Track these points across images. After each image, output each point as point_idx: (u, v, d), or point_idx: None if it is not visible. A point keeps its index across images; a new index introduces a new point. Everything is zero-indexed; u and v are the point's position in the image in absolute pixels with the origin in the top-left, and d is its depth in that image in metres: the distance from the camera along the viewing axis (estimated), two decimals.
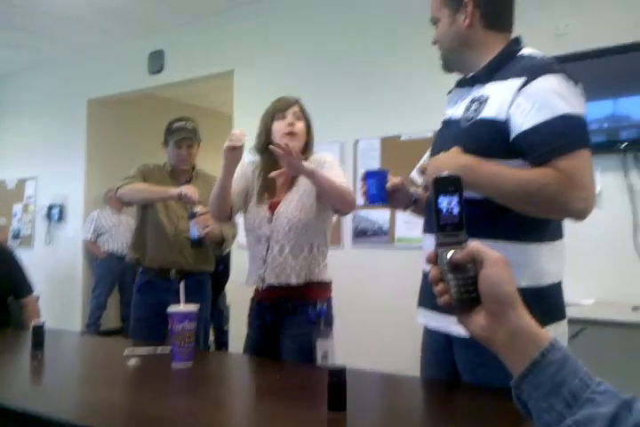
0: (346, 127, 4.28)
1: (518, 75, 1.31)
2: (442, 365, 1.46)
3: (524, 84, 1.28)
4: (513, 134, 1.28)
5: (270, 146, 1.90)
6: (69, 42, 5.94)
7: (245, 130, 1.95)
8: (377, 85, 4.16)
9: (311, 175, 1.91)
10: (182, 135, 2.79)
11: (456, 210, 0.72)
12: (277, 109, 2.09)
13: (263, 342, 2.07)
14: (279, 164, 2.05)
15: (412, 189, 1.63)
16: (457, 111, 1.44)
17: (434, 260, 0.73)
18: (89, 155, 6.27)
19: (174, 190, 2.63)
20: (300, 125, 2.09)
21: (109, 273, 5.98)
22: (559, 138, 1.24)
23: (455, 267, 0.70)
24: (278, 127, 2.07)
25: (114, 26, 5.51)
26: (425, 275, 1.55)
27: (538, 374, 0.63)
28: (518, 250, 1.32)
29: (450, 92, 1.57)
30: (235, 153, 1.93)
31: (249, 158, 2.22)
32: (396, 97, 4.05)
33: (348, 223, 4.19)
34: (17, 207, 6.88)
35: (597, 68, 3.23)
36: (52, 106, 6.55)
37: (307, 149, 2.13)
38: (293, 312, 2.01)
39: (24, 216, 6.82)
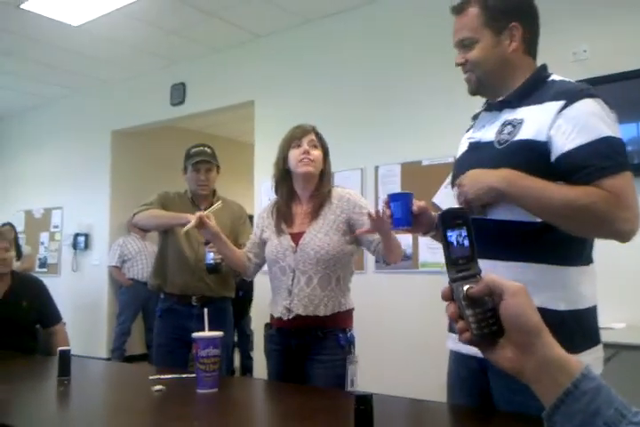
0: (366, 153, 4.31)
1: (555, 98, 1.32)
2: (473, 392, 1.43)
3: (564, 107, 1.29)
4: (554, 155, 1.29)
5: (358, 232, 1.99)
6: (93, 76, 6.12)
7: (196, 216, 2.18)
8: (397, 111, 4.19)
9: (389, 235, 1.93)
10: (200, 158, 2.81)
11: (466, 242, 0.71)
12: (293, 137, 2.11)
13: (287, 366, 2.05)
14: (297, 193, 2.13)
15: (434, 213, 1.63)
16: (487, 134, 1.44)
17: (449, 296, 0.71)
18: (113, 184, 6.40)
19: (190, 216, 2.65)
20: (315, 153, 2.09)
21: (134, 300, 6.02)
22: (604, 159, 1.24)
23: (473, 301, 0.68)
24: (294, 155, 2.08)
25: (136, 60, 5.67)
26: None
27: (571, 404, 0.61)
28: (556, 273, 1.31)
29: (475, 117, 1.58)
30: (204, 229, 2.18)
31: (268, 201, 2.32)
32: (417, 123, 4.08)
33: None
34: (44, 236, 7.01)
35: (617, 93, 3.23)
36: (77, 138, 6.73)
37: (323, 178, 2.13)
38: (324, 337, 1.99)
39: (50, 244, 6.94)
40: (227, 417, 1.46)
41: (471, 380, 1.43)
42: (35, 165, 7.20)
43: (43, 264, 6.94)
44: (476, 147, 1.47)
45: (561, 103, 1.30)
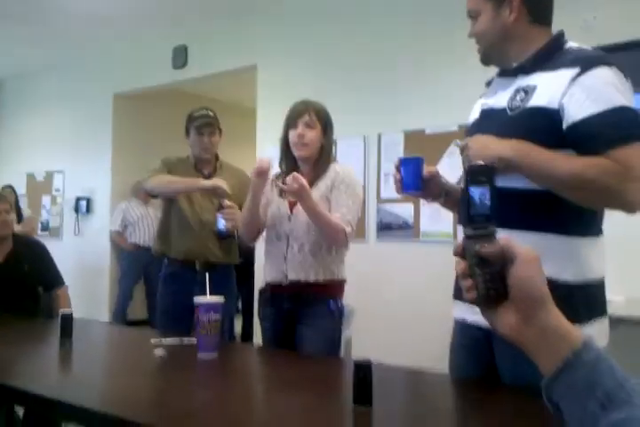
0: (369, 121, 4.26)
1: (570, 65, 1.30)
2: (477, 362, 1.44)
3: (578, 75, 1.27)
4: (566, 124, 1.27)
5: (280, 187, 2.05)
6: (94, 38, 6.00)
7: (270, 158, 2.11)
8: (401, 79, 4.13)
9: (302, 202, 1.98)
10: (204, 121, 2.79)
11: (488, 201, 0.69)
12: (290, 118, 2.15)
13: (280, 330, 2.12)
14: (300, 167, 2.18)
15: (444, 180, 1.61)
16: (499, 101, 1.42)
17: (461, 253, 0.71)
18: (115, 148, 6.35)
19: (206, 182, 2.64)
20: (310, 135, 2.11)
21: (135, 264, 6.06)
22: (615, 129, 1.23)
23: (483, 260, 0.68)
24: (291, 135, 2.13)
25: (137, 22, 5.54)
26: None
27: (570, 374, 0.61)
28: (565, 243, 1.31)
29: (489, 83, 1.56)
30: (261, 178, 2.08)
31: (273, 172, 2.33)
32: (421, 90, 4.02)
33: (372, 217, 4.18)
34: (45, 199, 7.00)
35: (627, 61, 3.16)
36: (78, 101, 6.64)
37: (322, 155, 2.17)
38: (314, 302, 2.07)
39: (52, 208, 6.94)
40: (227, 384, 1.48)
41: (475, 349, 1.44)
42: (36, 128, 7.14)
43: (45, 227, 6.96)
44: (488, 113, 1.45)
45: (575, 70, 1.28)
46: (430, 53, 3.99)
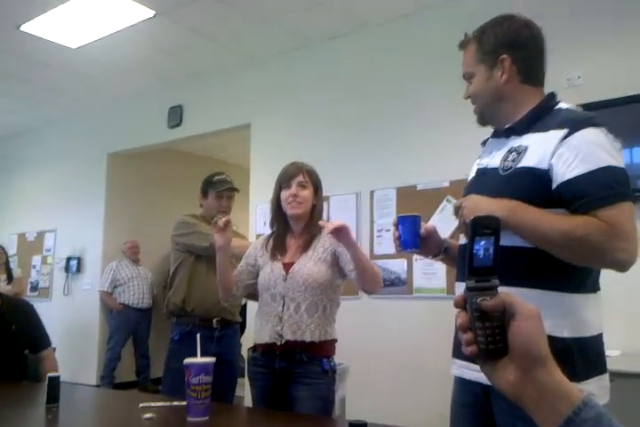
0: (362, 178, 4.32)
1: (559, 126, 1.33)
2: (477, 419, 1.41)
3: (566, 136, 1.30)
4: (555, 183, 1.29)
5: (320, 222, 2.10)
6: (88, 98, 6.16)
7: (228, 217, 2.18)
8: (393, 136, 4.22)
9: (355, 247, 2.00)
10: (226, 186, 2.93)
11: (491, 254, 0.69)
12: (283, 179, 2.22)
13: (271, 390, 2.10)
14: (291, 228, 2.24)
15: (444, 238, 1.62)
16: (493, 161, 1.45)
17: (462, 305, 0.70)
18: (107, 207, 6.38)
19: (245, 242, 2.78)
20: (303, 194, 2.19)
21: (124, 325, 5.96)
22: (602, 189, 1.25)
23: (484, 314, 0.67)
24: (283, 196, 2.19)
25: (133, 82, 5.72)
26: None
27: None
28: (560, 299, 1.30)
29: (484, 143, 1.60)
30: (222, 235, 2.13)
31: (263, 236, 2.39)
32: (412, 147, 4.10)
33: None
34: (36, 259, 6.96)
35: (610, 118, 3.25)
36: (72, 160, 6.73)
37: (314, 214, 2.23)
38: (308, 362, 2.05)
39: (43, 268, 6.88)
40: None
41: (474, 407, 1.41)
42: (29, 187, 7.18)
43: (34, 288, 6.86)
44: (482, 173, 1.49)
45: (564, 131, 1.31)
46: (421, 113, 4.09)
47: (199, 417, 1.58)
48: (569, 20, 3.56)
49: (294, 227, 2.24)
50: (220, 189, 2.91)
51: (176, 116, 5.74)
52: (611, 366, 2.45)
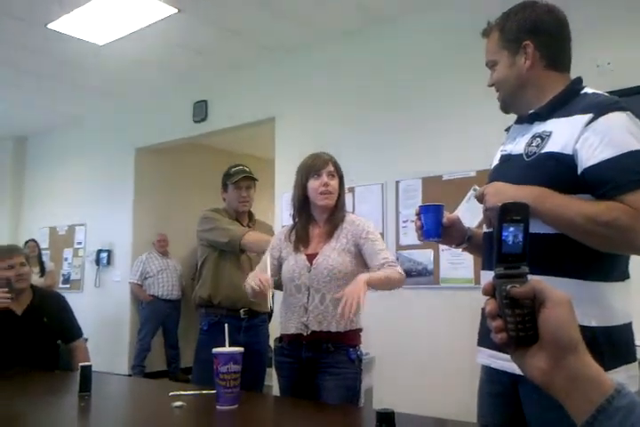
0: (387, 168, 4.30)
1: (584, 111, 1.31)
2: (505, 409, 1.40)
3: (592, 120, 1.28)
4: (580, 169, 1.28)
5: (339, 312, 1.87)
6: (115, 94, 6.23)
7: (270, 279, 2.06)
8: (418, 125, 4.19)
9: (375, 285, 1.99)
10: (242, 175, 2.92)
11: (520, 240, 0.68)
12: (313, 168, 2.20)
13: (298, 380, 2.11)
14: (315, 218, 2.24)
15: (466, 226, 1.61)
16: (517, 147, 1.44)
17: (491, 292, 0.69)
18: (136, 201, 6.47)
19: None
20: (333, 184, 2.20)
21: (154, 316, 6.06)
22: (628, 173, 1.23)
23: (514, 301, 0.66)
24: (314, 185, 2.18)
25: (159, 78, 5.77)
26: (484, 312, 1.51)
27: (604, 421, 0.58)
28: (586, 288, 1.28)
29: (508, 129, 1.59)
30: (260, 294, 2.06)
31: (286, 227, 2.37)
32: (438, 136, 4.07)
33: None
34: (67, 252, 7.10)
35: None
36: (101, 155, 6.83)
37: (339, 203, 2.24)
38: (334, 351, 2.06)
39: (74, 261, 7.02)
40: None
41: (502, 396, 1.40)
42: (59, 182, 7.32)
43: (66, 280, 7.02)
44: (507, 159, 1.47)
45: (589, 116, 1.29)
46: (447, 101, 4.06)
47: (228, 405, 1.60)
48: (597, 7, 3.48)
49: (318, 217, 2.24)
50: (237, 179, 2.90)
51: (201, 111, 5.78)
52: None
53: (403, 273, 2.12)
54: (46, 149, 7.59)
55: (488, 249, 1.48)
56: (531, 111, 1.45)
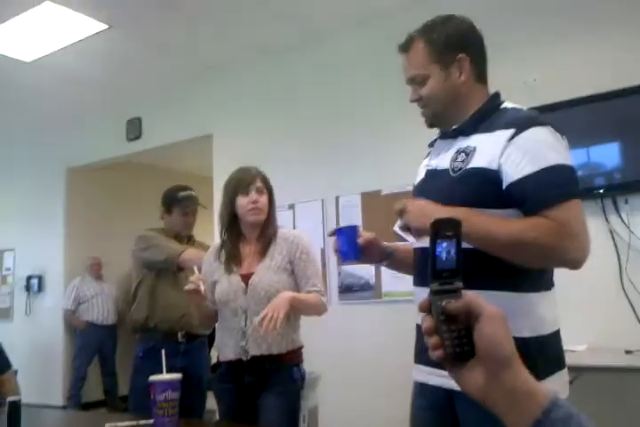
0: (326, 184, 4.31)
1: (506, 127, 1.33)
2: (439, 423, 1.39)
3: (514, 136, 1.30)
4: (505, 184, 1.29)
5: (256, 324, 1.89)
6: (44, 112, 6.00)
7: (201, 275, 2.08)
8: (356, 141, 4.22)
9: (291, 304, 1.94)
10: (192, 205, 2.91)
11: (454, 256, 0.68)
12: (240, 185, 2.15)
13: (240, 404, 2.04)
14: (245, 236, 2.18)
15: (386, 242, 1.61)
16: (442, 162, 1.44)
17: (427, 309, 0.68)
18: (67, 223, 6.23)
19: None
20: (262, 200, 2.15)
21: (89, 343, 5.83)
22: (551, 188, 1.25)
23: (450, 317, 0.66)
24: (242, 203, 2.13)
25: (90, 95, 5.60)
26: (420, 328, 1.51)
27: None
28: (517, 299, 1.30)
29: (432, 144, 1.59)
30: (196, 295, 2.04)
31: (212, 248, 2.30)
32: (375, 152, 4.11)
33: (334, 279, 4.14)
34: None
35: (565, 119, 3.33)
36: (30, 176, 6.56)
37: (270, 220, 2.18)
38: (277, 372, 2.01)
39: (3, 288, 6.67)
40: None
41: (437, 409, 1.39)
42: None
43: None
44: (433, 174, 1.47)
45: (511, 131, 1.31)
46: (385, 116, 4.11)
47: None
48: (525, 24, 3.62)
49: (249, 234, 2.18)
50: (185, 206, 2.87)
51: (135, 129, 5.65)
52: (577, 360, 2.51)
53: (326, 305, 2.12)
54: None
55: (419, 265, 1.48)
56: (454, 127, 1.46)
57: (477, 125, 1.40)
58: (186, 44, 4.61)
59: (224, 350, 2.08)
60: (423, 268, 1.44)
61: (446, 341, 0.65)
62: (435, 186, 1.43)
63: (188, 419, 1.78)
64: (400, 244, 1.64)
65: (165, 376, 1.59)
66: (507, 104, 1.44)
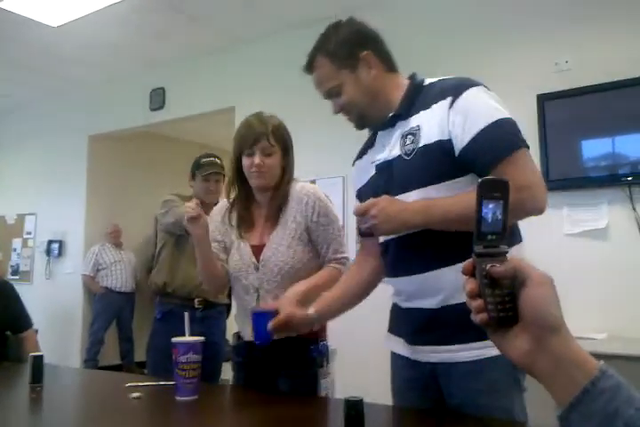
0: (349, 161, 4.27)
1: (442, 97, 1.35)
2: (425, 393, 1.43)
3: (453, 102, 1.33)
4: (457, 150, 1.31)
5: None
6: (70, 78, 6.03)
7: (197, 200, 1.86)
8: None
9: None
10: (211, 170, 2.87)
11: (500, 218, 0.67)
12: (243, 144, 1.86)
13: (253, 381, 1.88)
14: (254, 196, 1.94)
15: (311, 309, 1.57)
16: (392, 152, 1.44)
17: (470, 271, 0.67)
18: (89, 190, 6.28)
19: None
20: (268, 162, 1.84)
21: (107, 309, 5.93)
22: (498, 143, 1.28)
23: (494, 281, 0.65)
24: (246, 164, 1.85)
25: (115, 63, 5.60)
26: (395, 307, 1.55)
27: (588, 404, 0.57)
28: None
29: (370, 142, 1.60)
30: (197, 223, 1.82)
31: (219, 205, 2.07)
32: None
33: (352, 256, 4.14)
34: (16, 242, 6.85)
35: (597, 104, 3.27)
36: (53, 142, 6.60)
37: (283, 179, 1.90)
38: (294, 350, 1.81)
39: (23, 251, 6.78)
40: (207, 426, 1.40)
41: (423, 384, 1.43)
42: (8, 169, 7.05)
43: (15, 271, 6.77)
44: (385, 166, 1.46)
45: (449, 99, 1.34)
46: None
47: (188, 396, 1.55)
48: (556, 6, 3.54)
49: (258, 197, 1.92)
50: (206, 172, 2.86)
51: (159, 99, 5.65)
52: (597, 348, 2.50)
53: (343, 271, 1.85)
54: None
55: (393, 256, 1.47)
56: (390, 114, 1.46)
57: (411, 106, 1.42)
58: (214, 16, 4.57)
59: (242, 326, 1.94)
60: (395, 258, 1.46)
61: (490, 305, 0.65)
62: (389, 176, 1.43)
63: (207, 383, 1.81)
64: (326, 294, 1.62)
65: (188, 338, 1.62)
66: (428, 80, 1.47)
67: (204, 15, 4.57)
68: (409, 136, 1.39)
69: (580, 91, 3.31)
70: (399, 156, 1.40)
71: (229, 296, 2.93)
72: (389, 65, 1.50)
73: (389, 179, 1.42)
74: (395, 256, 1.47)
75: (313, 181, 4.30)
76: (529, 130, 3.45)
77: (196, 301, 2.78)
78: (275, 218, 1.87)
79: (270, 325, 1.53)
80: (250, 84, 5.00)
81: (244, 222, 1.92)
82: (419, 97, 1.42)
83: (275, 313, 1.56)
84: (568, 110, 3.36)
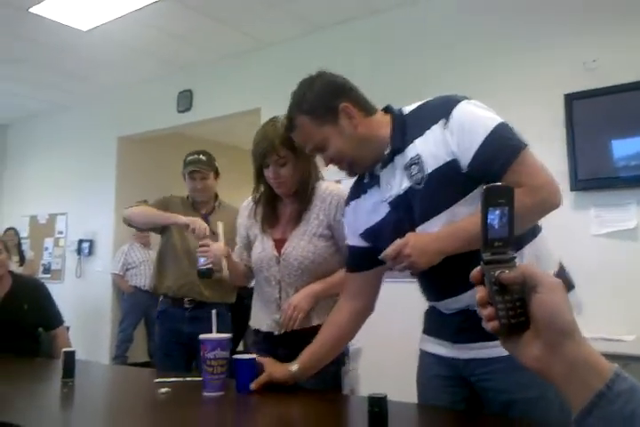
0: None
1: (432, 121, 1.36)
2: (457, 390, 1.45)
3: (446, 122, 1.34)
4: (464, 167, 1.32)
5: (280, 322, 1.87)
6: (100, 82, 6.14)
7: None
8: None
9: (317, 299, 1.87)
10: (193, 167, 2.84)
11: (506, 224, 0.67)
12: (257, 158, 1.90)
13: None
14: (281, 198, 2.00)
15: (293, 367, 1.61)
16: (402, 186, 1.41)
17: (479, 279, 0.68)
18: (118, 191, 6.39)
19: (183, 219, 2.63)
20: (284, 172, 1.87)
21: (136, 307, 6.02)
22: (502, 151, 1.30)
23: (504, 288, 0.65)
24: (266, 174, 1.91)
25: (143, 66, 5.69)
26: (434, 310, 1.56)
27: (605, 407, 0.57)
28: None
29: (369, 183, 1.54)
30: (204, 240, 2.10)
31: (248, 200, 2.14)
32: None
33: None
34: (48, 242, 7.00)
35: (625, 103, 3.23)
36: (83, 144, 6.73)
37: (307, 182, 1.93)
38: None
39: (55, 250, 6.93)
40: (234, 421, 1.43)
41: (454, 379, 1.45)
42: (41, 170, 7.21)
43: (47, 270, 6.92)
44: (400, 200, 1.43)
45: (441, 121, 1.34)
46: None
47: (215, 392, 1.59)
48: (583, 4, 3.51)
49: (284, 199, 1.98)
50: (189, 170, 2.84)
51: (186, 101, 5.73)
52: (625, 350, 2.47)
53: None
54: (28, 137, 7.46)
55: (434, 282, 1.48)
56: (387, 151, 1.44)
57: (404, 138, 1.42)
58: (241, 19, 4.61)
59: (258, 317, 1.98)
60: (437, 285, 1.48)
61: (501, 311, 0.65)
62: (408, 208, 1.40)
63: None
64: (310, 347, 1.64)
65: (215, 335, 1.65)
66: (406, 108, 1.48)
67: (231, 18, 4.62)
68: (413, 166, 1.38)
69: (609, 90, 3.27)
70: (410, 187, 1.39)
71: (243, 298, 2.87)
72: (367, 109, 1.49)
73: (409, 211, 1.40)
74: (435, 283, 1.48)
75: (338, 181, 4.31)
76: (556, 129, 3.42)
77: (185, 300, 2.78)
78: (299, 215, 1.93)
79: (253, 385, 1.57)
80: (275, 86, 5.02)
81: (269, 218, 1.98)
82: (408, 127, 1.43)
83: (254, 361, 1.61)
84: (596, 109, 3.32)
